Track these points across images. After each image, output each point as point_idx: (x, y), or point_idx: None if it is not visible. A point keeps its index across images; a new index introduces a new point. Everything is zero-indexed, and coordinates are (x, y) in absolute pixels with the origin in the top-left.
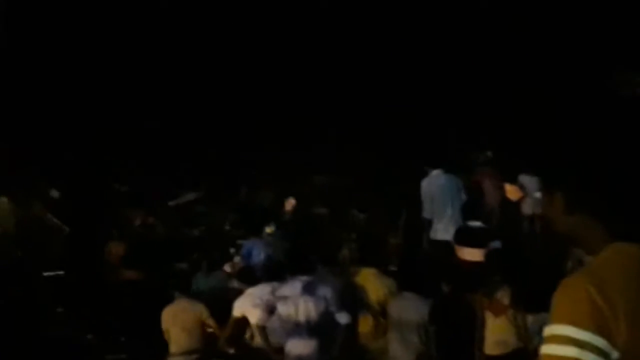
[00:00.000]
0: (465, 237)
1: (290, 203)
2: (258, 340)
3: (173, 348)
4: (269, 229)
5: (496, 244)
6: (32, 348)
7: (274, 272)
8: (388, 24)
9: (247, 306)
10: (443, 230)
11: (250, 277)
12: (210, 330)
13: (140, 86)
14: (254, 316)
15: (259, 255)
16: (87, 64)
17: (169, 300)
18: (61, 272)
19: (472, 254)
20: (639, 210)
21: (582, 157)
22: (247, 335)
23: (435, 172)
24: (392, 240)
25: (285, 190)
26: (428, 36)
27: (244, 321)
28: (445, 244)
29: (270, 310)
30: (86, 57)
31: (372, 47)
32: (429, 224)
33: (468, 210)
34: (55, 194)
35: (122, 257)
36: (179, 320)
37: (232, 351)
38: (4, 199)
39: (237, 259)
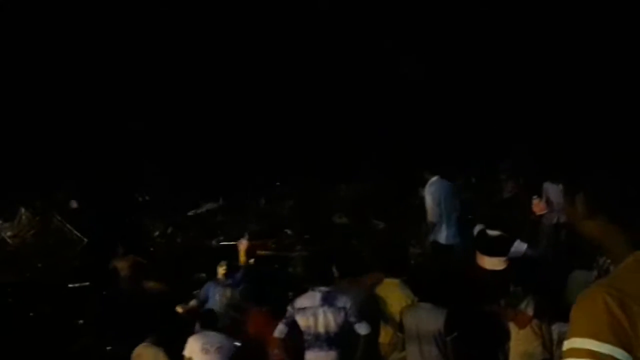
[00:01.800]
0: (487, 245)
1: (243, 245)
2: None
3: None
4: (222, 269)
5: (518, 252)
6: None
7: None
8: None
9: (196, 350)
10: (452, 236)
11: (212, 320)
12: None
13: (161, 99)
14: None
15: (214, 296)
16: (114, 77)
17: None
18: (86, 284)
19: (493, 263)
20: None
21: (604, 158)
22: None
23: (436, 178)
24: (413, 249)
25: (306, 200)
26: (440, 41)
27: None
28: (451, 248)
29: (290, 322)
30: (113, 73)
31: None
32: (434, 227)
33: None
34: (74, 204)
35: (140, 269)
36: None
37: None
38: (23, 210)
39: (193, 302)
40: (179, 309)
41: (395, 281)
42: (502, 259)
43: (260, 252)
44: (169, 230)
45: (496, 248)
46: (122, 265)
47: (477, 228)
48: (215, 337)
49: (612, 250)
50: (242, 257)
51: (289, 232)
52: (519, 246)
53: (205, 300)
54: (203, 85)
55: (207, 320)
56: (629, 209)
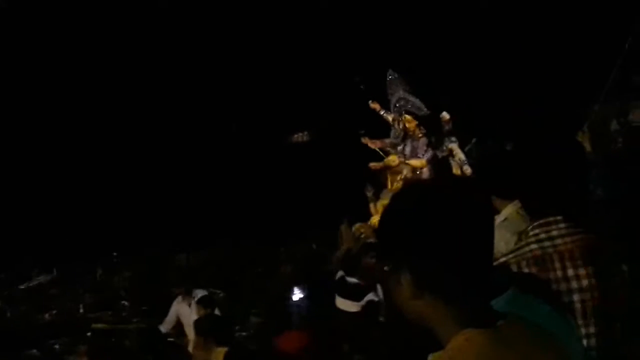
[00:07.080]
0: (344, 290)
1: None
2: None
3: None
4: None
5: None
6: None
7: None
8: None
9: None
10: None
11: None
12: None
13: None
14: None
15: None
16: None
17: None
18: None
19: (347, 305)
20: (490, 290)
21: (428, 236)
22: None
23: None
24: (255, 319)
25: (144, 270)
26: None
27: None
28: None
29: None
30: None
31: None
32: None
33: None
34: None
35: None
36: None
37: None
38: None
39: None
40: None
41: (224, 350)
42: (356, 303)
43: (96, 326)
44: None
45: (351, 293)
46: None
47: (339, 274)
48: None
49: (439, 329)
50: None
51: (126, 303)
52: (372, 297)
53: None
54: (37, 153)
55: None
56: (456, 286)
